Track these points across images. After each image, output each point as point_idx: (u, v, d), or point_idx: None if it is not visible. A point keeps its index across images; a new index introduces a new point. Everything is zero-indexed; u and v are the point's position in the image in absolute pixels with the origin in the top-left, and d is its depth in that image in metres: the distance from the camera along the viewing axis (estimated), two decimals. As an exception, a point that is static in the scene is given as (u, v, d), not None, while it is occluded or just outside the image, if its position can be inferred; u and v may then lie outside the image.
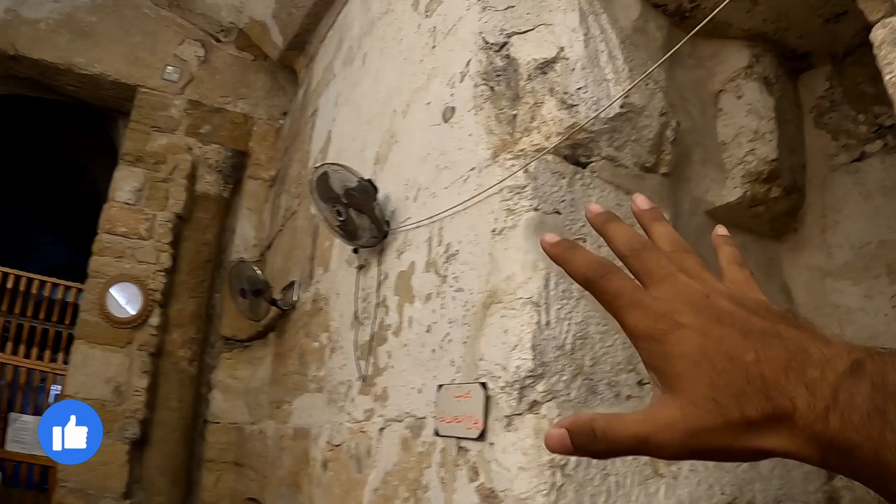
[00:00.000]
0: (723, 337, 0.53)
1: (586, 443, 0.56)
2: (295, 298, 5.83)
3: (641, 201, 0.71)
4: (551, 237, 0.65)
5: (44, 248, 14.90)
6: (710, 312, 0.55)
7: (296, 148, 7.60)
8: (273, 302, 6.12)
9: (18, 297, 8.67)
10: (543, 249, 0.69)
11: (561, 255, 0.64)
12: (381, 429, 3.61)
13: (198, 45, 9.10)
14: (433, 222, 3.38)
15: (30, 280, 8.70)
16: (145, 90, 8.79)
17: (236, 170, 8.90)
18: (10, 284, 8.58)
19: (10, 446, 8.05)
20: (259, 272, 6.19)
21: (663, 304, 0.57)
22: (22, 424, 8.17)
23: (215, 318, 8.46)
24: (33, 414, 8.40)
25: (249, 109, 9.17)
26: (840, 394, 0.47)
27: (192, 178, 8.51)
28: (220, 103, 9.04)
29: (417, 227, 3.55)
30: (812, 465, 0.51)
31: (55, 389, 8.79)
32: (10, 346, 8.45)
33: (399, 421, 3.40)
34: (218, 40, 9.20)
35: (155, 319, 7.83)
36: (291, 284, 5.98)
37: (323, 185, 3.95)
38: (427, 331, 3.24)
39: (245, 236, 8.59)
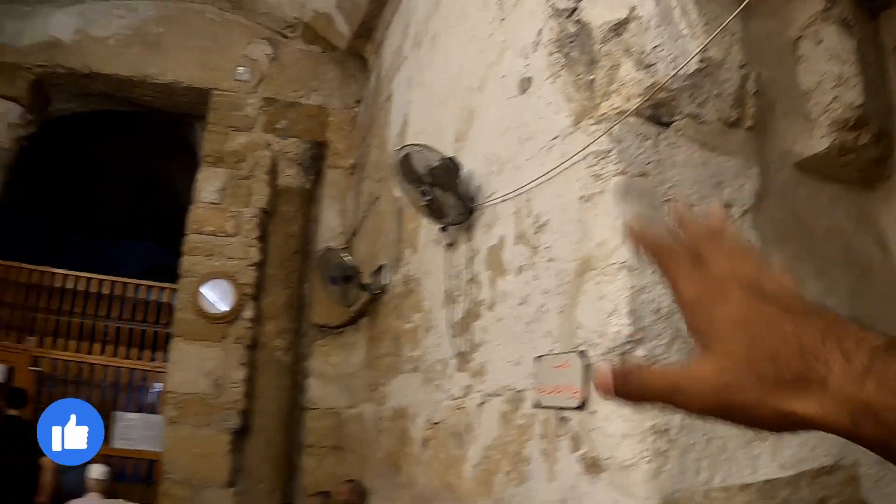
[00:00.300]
0: (765, 309, 0.57)
1: (622, 384, 0.62)
2: (385, 282, 5.88)
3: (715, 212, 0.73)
4: (632, 221, 0.75)
5: (135, 254, 15.36)
6: (756, 290, 0.59)
7: (373, 134, 7.64)
8: (363, 287, 6.19)
9: (115, 301, 8.97)
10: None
11: (637, 237, 0.70)
12: (480, 404, 3.62)
13: (265, 44, 9.23)
14: (519, 195, 3.36)
15: (125, 284, 9.01)
16: (219, 92, 9.01)
17: (316, 161, 9.02)
18: (106, 290, 8.88)
19: (117, 443, 8.45)
20: (348, 258, 6.27)
21: (714, 279, 0.61)
22: (126, 422, 8.52)
23: (307, 308, 8.62)
24: (137, 412, 8.71)
25: (323, 101, 9.27)
26: (876, 362, 0.50)
27: (273, 172, 8.68)
28: (294, 97, 9.17)
29: (504, 200, 3.53)
30: (837, 435, 0.53)
31: (156, 387, 9.11)
32: (110, 348, 8.75)
33: (498, 395, 3.41)
34: (285, 36, 9.33)
35: (248, 313, 8.02)
36: (380, 268, 6.03)
37: (406, 167, 3.97)
38: (521, 303, 3.23)
39: (330, 225, 8.72)
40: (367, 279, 6.27)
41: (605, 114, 2.82)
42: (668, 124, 2.83)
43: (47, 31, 8.85)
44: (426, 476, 4.49)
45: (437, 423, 4.33)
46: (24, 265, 8.93)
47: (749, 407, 0.55)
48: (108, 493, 5.79)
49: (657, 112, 2.82)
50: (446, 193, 3.86)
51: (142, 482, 8.61)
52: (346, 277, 6.15)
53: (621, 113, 2.75)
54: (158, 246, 14.40)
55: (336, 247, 7.40)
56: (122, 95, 9.37)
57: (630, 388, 0.62)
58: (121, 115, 10.00)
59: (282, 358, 8.26)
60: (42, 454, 5.99)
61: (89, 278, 8.94)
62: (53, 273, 8.94)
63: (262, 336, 8.22)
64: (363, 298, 6.42)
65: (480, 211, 3.86)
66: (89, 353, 8.79)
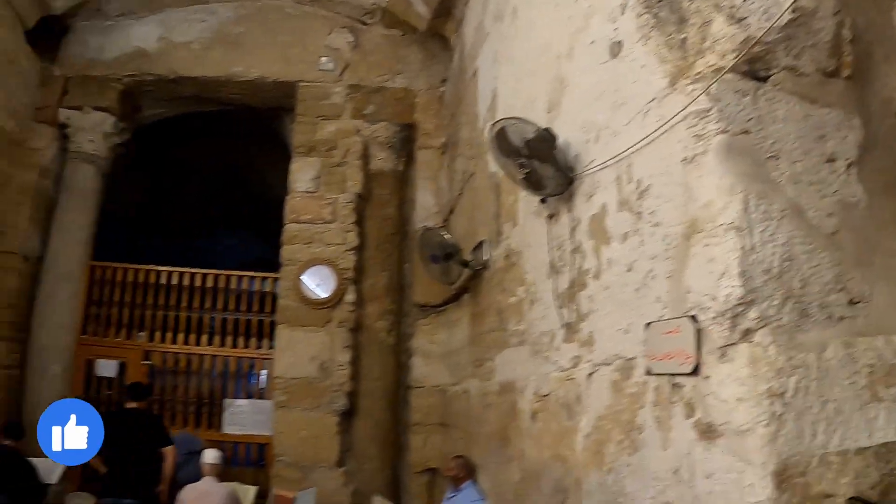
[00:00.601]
0: None
1: None
2: (486, 258, 5.89)
3: None
4: None
5: (234, 248, 15.71)
6: None
7: (462, 111, 7.64)
8: (464, 264, 6.22)
9: (219, 293, 9.25)
10: None
11: None
12: (590, 374, 3.60)
13: (346, 32, 9.34)
14: (619, 161, 3.31)
15: (227, 277, 9.27)
16: (305, 84, 9.19)
17: (406, 143, 9.09)
18: (210, 283, 9.16)
19: (228, 429, 8.79)
20: (447, 237, 6.31)
21: None
22: (236, 409, 8.83)
23: (407, 288, 8.73)
24: (246, 398, 8.98)
25: (408, 83, 9.32)
26: None
27: (365, 157, 8.79)
28: (379, 82, 9.26)
29: (603, 168, 3.49)
30: None
31: (262, 374, 9.38)
32: (217, 339, 9.03)
33: (607, 364, 3.38)
34: (364, 23, 9.41)
35: (350, 297, 8.17)
36: (480, 244, 6.04)
37: (502, 141, 3.95)
38: (628, 270, 3.19)
39: (425, 205, 8.78)
40: (467, 256, 6.30)
41: (700, 72, 2.75)
42: (765, 79, 2.75)
43: (131, 42, 9.27)
44: (536, 449, 4.49)
45: (545, 396, 4.33)
46: (130, 265, 9.33)
47: None
48: (221, 476, 6.02)
49: (753, 67, 2.74)
50: (544, 165, 3.84)
51: (253, 465, 8.91)
52: (447, 255, 6.19)
53: (717, 70, 2.68)
54: (255, 239, 14.71)
55: (434, 226, 7.46)
56: (208, 96, 9.70)
57: None
58: (207, 116, 10.34)
59: (385, 339, 8.38)
60: (164, 443, 6.24)
61: (193, 273, 9.25)
62: (158, 271, 9.27)
63: (364, 318, 8.36)
64: (464, 275, 6.45)
65: (580, 180, 3.82)
66: (197, 344, 9.10)
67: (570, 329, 3.92)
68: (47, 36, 8.93)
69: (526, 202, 4.83)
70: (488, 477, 5.74)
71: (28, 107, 8.78)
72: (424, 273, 7.35)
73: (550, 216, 4.25)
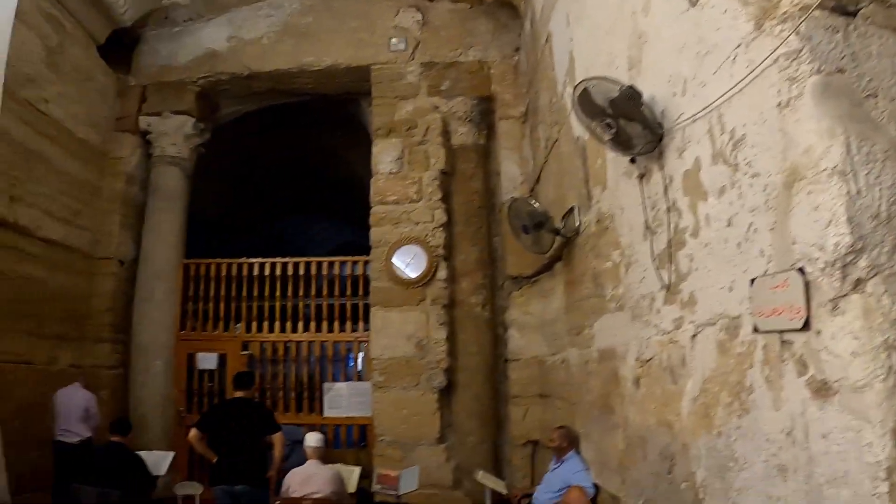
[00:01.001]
0: None
1: None
2: (577, 224, 5.78)
3: None
4: None
5: (323, 235, 15.90)
6: None
7: (539, 78, 7.52)
8: (556, 232, 6.12)
9: (311, 280, 9.40)
10: None
11: None
12: (693, 335, 3.48)
13: (413, 10, 9.38)
14: (709, 112, 3.17)
15: (318, 263, 9.43)
16: (378, 66, 9.28)
17: (486, 115, 9.04)
18: (302, 271, 9.33)
19: (328, 412, 9.06)
20: (536, 205, 6.22)
21: None
22: (336, 392, 9.05)
23: (498, 261, 8.71)
24: (344, 381, 9.14)
25: (481, 55, 9.28)
26: None
27: (445, 134, 8.78)
28: (451, 57, 9.26)
29: (693, 121, 3.35)
30: None
31: (359, 357, 9.55)
32: (313, 325, 9.19)
33: (712, 324, 3.26)
34: (430, 0, 9.37)
35: (442, 273, 8.18)
36: (570, 211, 5.93)
37: (585, 102, 3.84)
38: (727, 225, 3.06)
39: (511, 175, 8.71)
40: (557, 224, 6.19)
41: (786, 12, 2.60)
42: (854, 13, 2.58)
43: (202, 44, 9.63)
44: (640, 415, 4.40)
45: (648, 361, 4.23)
46: (222, 260, 9.67)
47: None
48: (324, 459, 6.13)
49: (841, 2, 2.58)
50: (631, 123, 3.71)
51: (354, 446, 9.18)
52: (537, 224, 6.09)
53: (804, 8, 2.53)
54: (343, 224, 14.84)
55: (522, 196, 7.35)
56: (283, 88, 9.93)
57: None
58: (284, 108, 10.55)
59: (480, 313, 8.37)
60: (272, 430, 6.35)
61: (284, 262, 9.47)
62: (251, 263, 9.50)
63: (458, 294, 8.37)
64: (556, 243, 6.34)
65: (669, 136, 3.69)
66: (294, 331, 9.35)
67: (671, 290, 3.79)
68: (119, 48, 9.34)
69: (614, 164, 4.71)
70: (591, 446, 5.68)
71: (108, 119, 9.28)
72: (515, 244, 7.28)
73: (641, 176, 4.12)
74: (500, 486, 6.59)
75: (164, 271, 9.24)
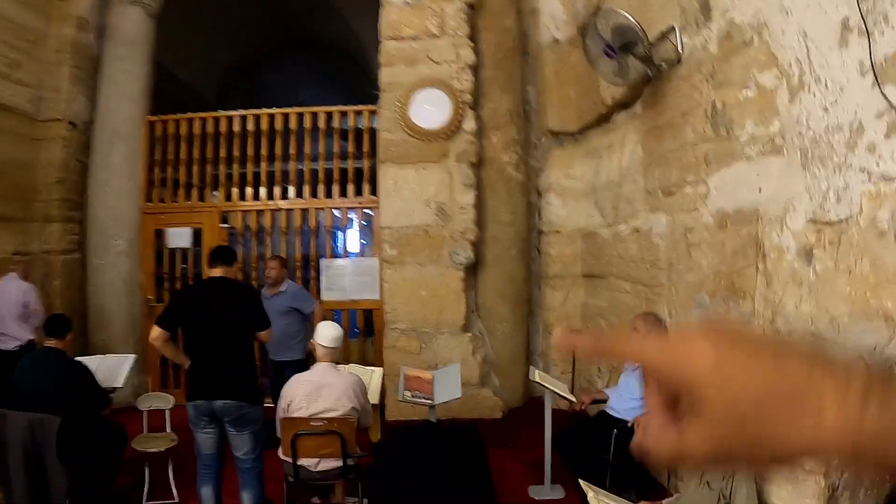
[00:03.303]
0: (737, 354, 0.53)
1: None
2: (680, 48, 4.27)
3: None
4: (556, 335, 0.63)
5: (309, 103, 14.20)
6: (721, 339, 0.54)
7: None
8: (646, 59, 4.52)
9: (306, 137, 7.61)
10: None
11: (566, 346, 0.62)
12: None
13: None
14: None
15: (314, 115, 7.53)
16: None
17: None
18: (293, 125, 7.48)
19: (326, 295, 7.24)
20: (632, 19, 4.46)
21: (675, 341, 0.56)
22: (336, 270, 7.29)
23: (535, 114, 7.15)
24: (345, 257, 7.49)
25: None
26: (873, 393, 0.47)
27: (471, -45, 6.93)
28: None
29: None
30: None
31: (364, 226, 7.80)
32: (307, 190, 7.46)
33: None
34: None
35: (469, 124, 6.60)
36: (666, 32, 4.40)
37: None
38: None
39: (552, 12, 6.98)
40: (640, 50, 4.59)
41: None
42: None
43: None
44: (813, 300, 3.06)
45: (836, 223, 2.88)
46: (194, 114, 7.74)
47: (748, 454, 0.52)
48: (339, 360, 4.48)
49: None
50: None
51: (359, 336, 7.46)
52: (626, 46, 4.48)
53: None
54: (328, 93, 13.22)
55: (609, 7, 5.51)
56: None
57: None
58: None
59: (513, 175, 6.88)
60: (262, 325, 4.55)
61: (271, 114, 7.58)
62: (229, 116, 7.67)
63: (487, 151, 6.84)
64: (638, 76, 4.78)
65: None
66: (284, 198, 7.53)
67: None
68: None
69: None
70: None
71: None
72: (559, 93, 6.07)
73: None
74: (563, 390, 5.01)
75: (125, 131, 7.43)
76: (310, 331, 5.17)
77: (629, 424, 4.22)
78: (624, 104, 5.49)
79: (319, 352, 4.18)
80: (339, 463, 3.96)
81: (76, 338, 5.24)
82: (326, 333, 4.17)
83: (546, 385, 4.68)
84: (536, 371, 4.98)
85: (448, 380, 4.97)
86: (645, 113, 5.13)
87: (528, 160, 7.12)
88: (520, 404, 6.86)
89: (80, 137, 7.26)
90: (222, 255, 4.38)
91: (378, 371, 5.46)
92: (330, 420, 3.94)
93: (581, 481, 4.01)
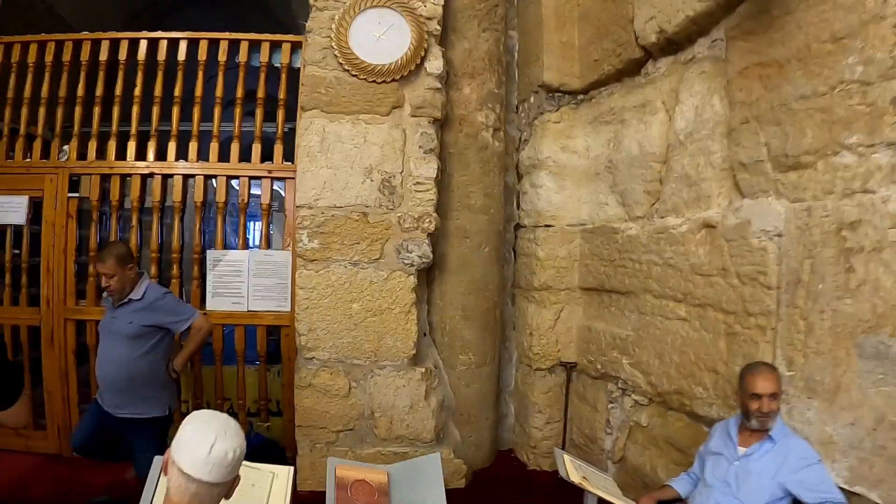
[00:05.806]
0: None
1: None
2: None
3: None
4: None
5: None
6: None
7: None
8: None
9: (197, 75, 5.33)
10: None
11: None
12: None
13: None
14: None
15: (211, 43, 5.21)
16: None
17: None
18: (182, 55, 5.18)
19: (212, 303, 4.99)
20: None
21: None
22: (228, 265, 5.11)
23: (514, 68, 5.24)
24: (243, 248, 5.30)
25: None
26: None
27: None
28: None
29: None
30: None
31: (273, 205, 5.54)
32: (194, 149, 5.19)
33: None
34: None
35: (434, 64, 4.61)
36: None
37: None
38: None
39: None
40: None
41: None
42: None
43: None
44: None
45: None
46: (39, 36, 5.30)
47: None
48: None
49: None
50: None
51: (257, 364, 5.15)
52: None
53: None
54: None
55: None
56: None
57: None
58: None
59: (490, 141, 4.93)
60: None
61: (151, 39, 5.19)
62: (93, 40, 5.27)
63: (456, 106, 4.85)
64: None
65: None
66: (159, 159, 5.24)
67: None
68: None
69: None
70: (851, 413, 2.56)
71: None
72: (561, 34, 4.31)
73: None
74: (614, 496, 2.86)
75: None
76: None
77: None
78: (680, 42, 3.64)
79: (178, 485, 1.79)
80: None
81: None
82: (197, 445, 1.79)
83: (592, 490, 2.69)
84: (564, 455, 2.98)
85: (420, 482, 2.90)
86: (738, 44, 3.23)
87: (512, 123, 5.20)
88: (488, 463, 4.96)
89: None
90: None
91: (283, 474, 2.99)
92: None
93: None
